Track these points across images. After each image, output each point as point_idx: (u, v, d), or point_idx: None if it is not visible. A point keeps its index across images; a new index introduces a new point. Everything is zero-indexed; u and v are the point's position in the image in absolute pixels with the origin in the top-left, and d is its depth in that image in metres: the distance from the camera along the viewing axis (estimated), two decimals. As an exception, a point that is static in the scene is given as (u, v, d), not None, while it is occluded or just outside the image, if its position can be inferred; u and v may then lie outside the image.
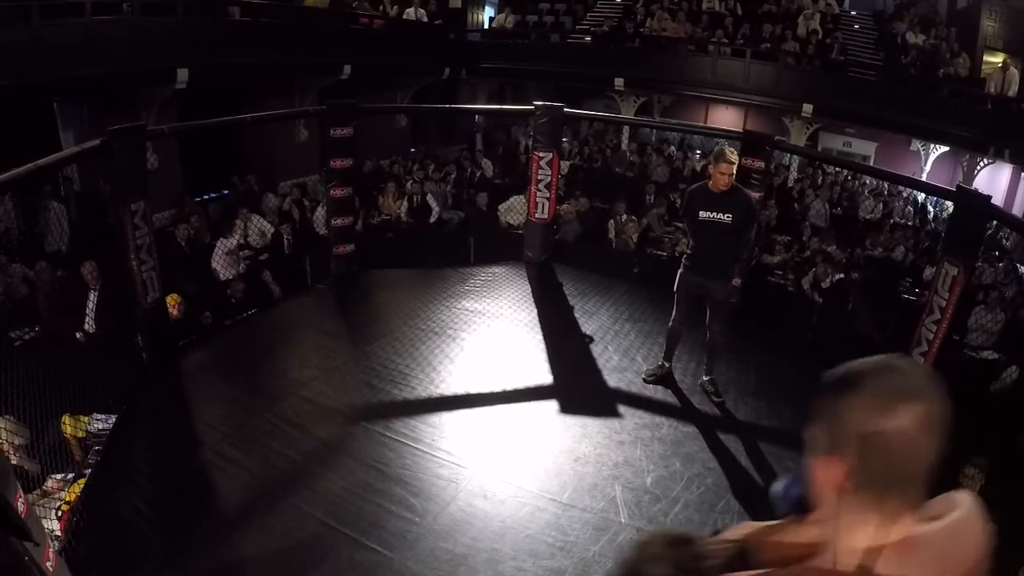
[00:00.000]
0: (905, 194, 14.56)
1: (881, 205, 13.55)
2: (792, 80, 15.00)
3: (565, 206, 9.40)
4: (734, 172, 5.07)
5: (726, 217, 5.09)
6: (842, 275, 7.82)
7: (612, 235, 9.52)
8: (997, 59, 15.28)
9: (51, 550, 2.90)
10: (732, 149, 5.11)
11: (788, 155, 15.37)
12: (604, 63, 16.45)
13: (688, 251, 5.45)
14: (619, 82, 16.54)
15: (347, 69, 13.84)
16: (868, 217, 12.57)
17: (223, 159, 12.44)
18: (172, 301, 6.27)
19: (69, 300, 6.64)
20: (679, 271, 5.41)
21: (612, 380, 5.68)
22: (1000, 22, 15.82)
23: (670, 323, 5.58)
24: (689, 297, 5.41)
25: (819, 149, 16.94)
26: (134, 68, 9.96)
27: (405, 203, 10.36)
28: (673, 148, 17.15)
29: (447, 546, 3.73)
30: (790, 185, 14.54)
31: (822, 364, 6.10)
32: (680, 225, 10.86)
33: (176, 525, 3.78)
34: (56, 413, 4.76)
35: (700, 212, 5.15)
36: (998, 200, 6.10)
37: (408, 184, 10.88)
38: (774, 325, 6.96)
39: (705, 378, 5.60)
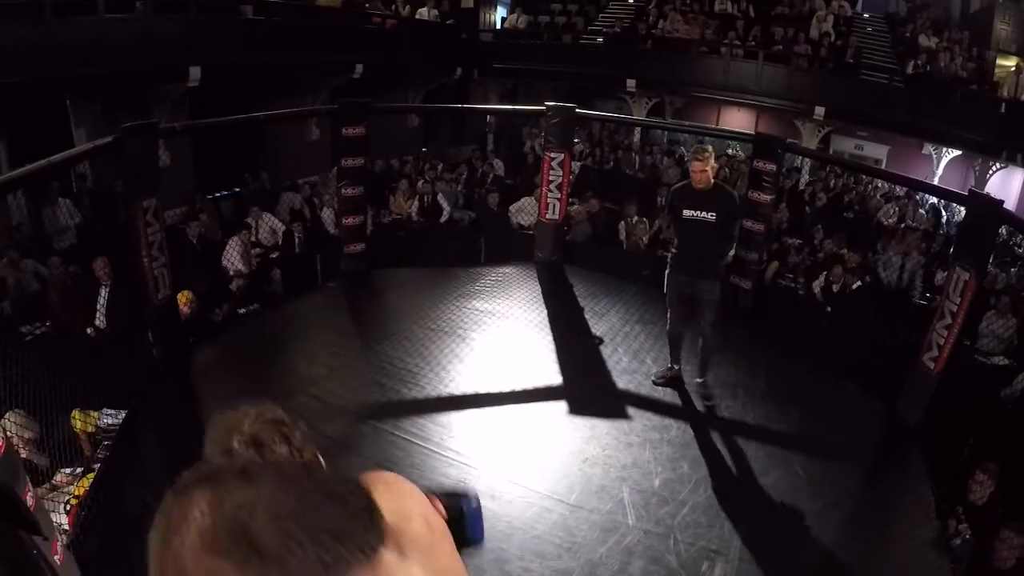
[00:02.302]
0: (918, 197, 14.48)
1: (895, 209, 13.47)
2: (804, 83, 14.95)
3: (576, 207, 9.39)
4: (708, 170, 5.02)
5: (710, 216, 5.07)
6: (860, 282, 7.75)
7: (623, 236, 9.50)
8: (1010, 62, 15.21)
9: (59, 544, 2.92)
10: (706, 148, 5.14)
11: (800, 158, 15.32)
12: (616, 64, 16.42)
13: (673, 250, 5.43)
14: (631, 83, 16.51)
15: (359, 68, 13.85)
16: (885, 223, 12.48)
17: (235, 157, 12.46)
18: (183, 298, 6.30)
19: (80, 296, 6.67)
20: (666, 272, 5.41)
21: (621, 382, 5.68)
22: (1013, 25, 15.74)
23: (667, 327, 5.58)
24: (680, 297, 5.39)
25: (831, 152, 16.86)
26: (147, 66, 9.97)
27: (416, 202, 10.36)
28: (683, 149, 17.08)
29: (454, 545, 3.73)
30: (801, 188, 14.47)
31: (832, 367, 6.12)
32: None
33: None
34: (66, 408, 4.78)
35: (684, 211, 5.15)
36: (1010, 205, 6.07)
37: (419, 183, 10.88)
38: (784, 328, 6.93)
39: (697, 380, 5.58)
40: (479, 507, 1.65)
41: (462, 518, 1.58)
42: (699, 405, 5.44)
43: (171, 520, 0.76)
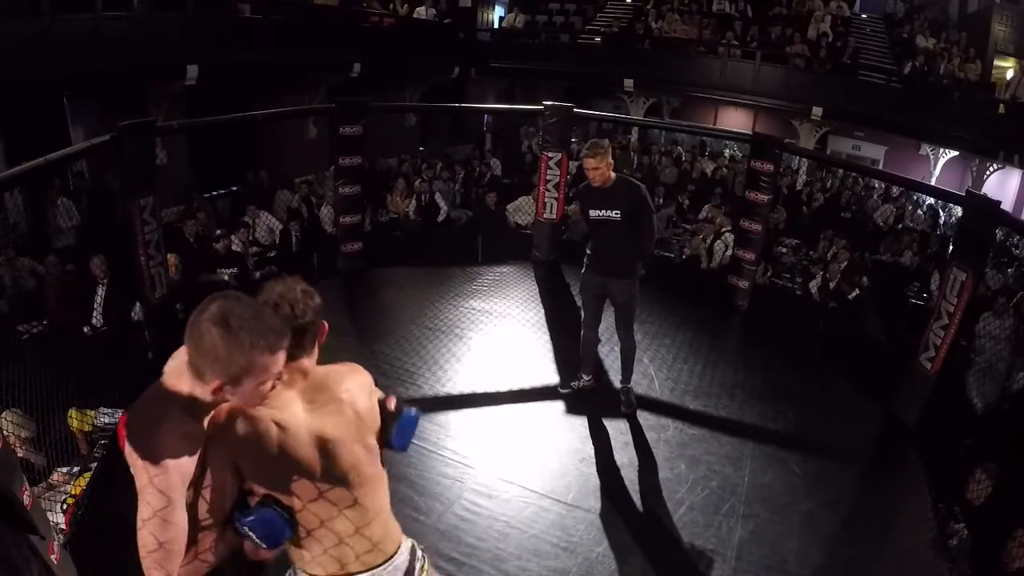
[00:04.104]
0: (916, 198, 14.51)
1: (893, 210, 13.48)
2: (802, 83, 14.97)
3: (573, 206, 9.38)
4: (600, 167, 4.71)
5: (615, 214, 4.80)
6: (858, 290, 7.76)
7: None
8: (1008, 63, 15.24)
9: (56, 543, 2.91)
10: (602, 143, 4.79)
11: (797, 158, 15.34)
12: (614, 64, 16.45)
13: (588, 250, 5.18)
14: (629, 83, 16.53)
15: (357, 67, 13.86)
16: (882, 223, 12.50)
17: (232, 156, 12.46)
18: (171, 261, 6.31)
19: (77, 294, 6.66)
20: (582, 272, 5.23)
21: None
22: (1011, 26, 15.77)
23: (581, 331, 5.38)
24: (593, 298, 5.21)
25: (828, 152, 16.89)
26: (144, 64, 9.98)
27: (413, 201, 10.36)
28: (680, 149, 17.10)
29: (451, 545, 3.74)
30: (799, 188, 14.49)
31: (829, 367, 6.12)
32: (688, 227, 10.87)
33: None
34: (63, 407, 4.77)
35: (590, 211, 4.92)
36: (1007, 205, 6.06)
37: (416, 182, 10.87)
38: (781, 328, 6.93)
39: (619, 386, 5.38)
40: (416, 419, 2.24)
41: (396, 417, 2.17)
42: (703, 405, 5.44)
43: (200, 308, 1.67)
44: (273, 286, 2.02)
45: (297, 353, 1.94)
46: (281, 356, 1.76)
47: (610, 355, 6.05)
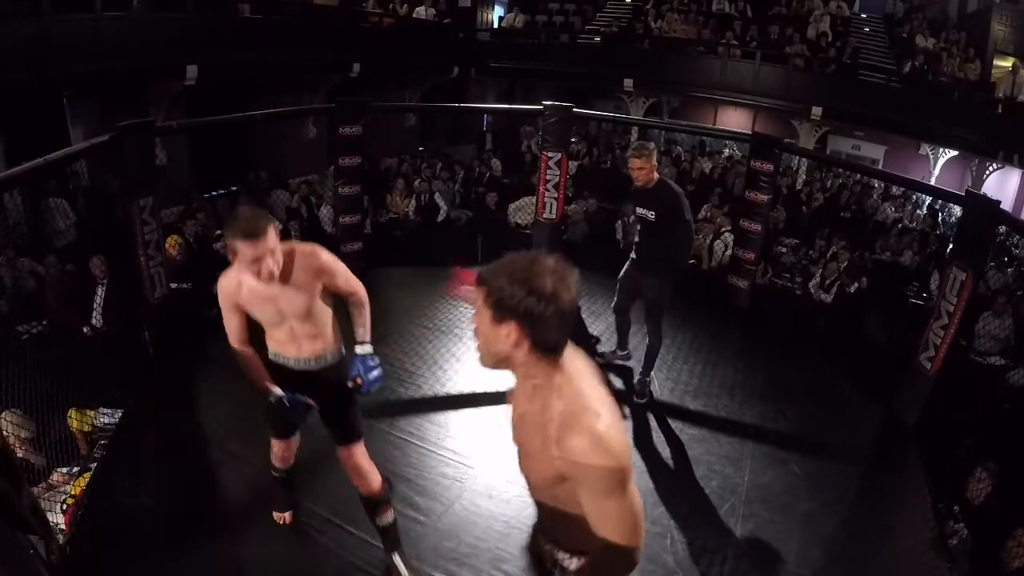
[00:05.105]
0: (916, 198, 14.50)
1: (892, 209, 13.47)
2: (801, 82, 14.95)
3: (573, 206, 9.38)
4: (644, 168, 4.96)
5: (650, 214, 5.05)
6: (857, 284, 7.77)
7: (619, 236, 9.49)
8: (1007, 63, 15.22)
9: (56, 543, 2.91)
10: (647, 145, 5.09)
11: (796, 158, 15.33)
12: (613, 64, 16.44)
13: (634, 243, 5.49)
14: (628, 83, 16.53)
15: (356, 67, 13.85)
16: (882, 220, 12.50)
17: (231, 156, 12.45)
18: (172, 242, 6.31)
19: (77, 294, 6.66)
20: (627, 261, 5.51)
21: (618, 381, 5.67)
22: (1010, 26, 15.76)
23: (613, 316, 5.80)
24: (625, 287, 5.50)
25: (828, 152, 16.87)
26: (144, 64, 9.98)
27: (413, 201, 10.35)
28: (680, 149, 17.09)
29: (451, 545, 3.73)
30: (798, 188, 14.47)
31: (829, 367, 6.11)
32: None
33: (181, 520, 3.78)
34: (63, 407, 4.77)
35: (636, 208, 5.21)
36: (1007, 205, 6.06)
37: (416, 182, 10.86)
38: (781, 328, 6.93)
39: (639, 376, 5.55)
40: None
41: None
42: (703, 405, 5.44)
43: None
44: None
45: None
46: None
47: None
